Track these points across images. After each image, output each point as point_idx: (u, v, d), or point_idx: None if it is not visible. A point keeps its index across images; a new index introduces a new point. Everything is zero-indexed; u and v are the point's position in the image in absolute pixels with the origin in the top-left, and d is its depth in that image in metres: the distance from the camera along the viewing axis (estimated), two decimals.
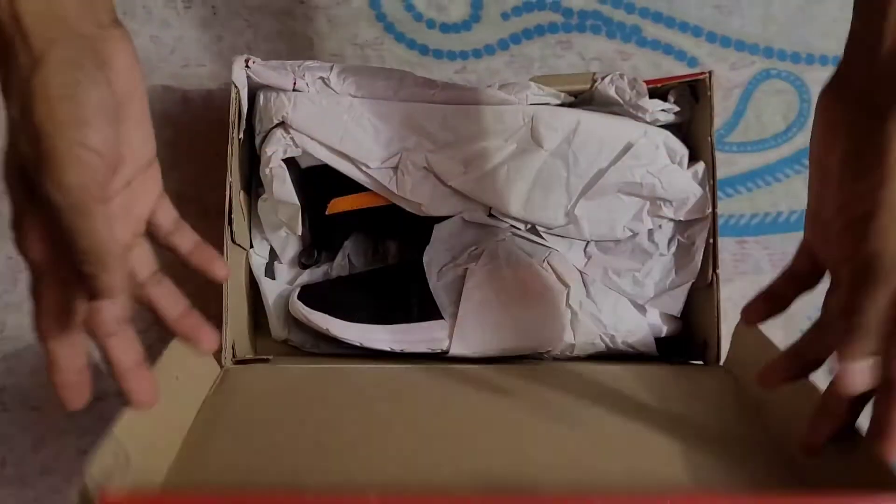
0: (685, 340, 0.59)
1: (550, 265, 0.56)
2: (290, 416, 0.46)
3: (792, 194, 0.67)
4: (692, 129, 0.58)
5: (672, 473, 0.41)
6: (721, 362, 0.54)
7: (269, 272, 0.61)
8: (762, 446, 0.44)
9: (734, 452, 0.43)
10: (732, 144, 0.67)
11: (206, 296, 0.65)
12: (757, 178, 0.67)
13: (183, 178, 0.66)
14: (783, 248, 0.66)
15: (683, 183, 0.55)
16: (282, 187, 0.56)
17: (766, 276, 0.66)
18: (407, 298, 0.56)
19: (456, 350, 0.55)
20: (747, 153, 0.68)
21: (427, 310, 0.56)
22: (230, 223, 0.53)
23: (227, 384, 0.50)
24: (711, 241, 0.55)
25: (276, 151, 0.55)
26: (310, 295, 0.58)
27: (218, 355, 0.52)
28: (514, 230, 0.58)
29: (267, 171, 0.56)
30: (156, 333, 0.44)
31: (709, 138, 0.55)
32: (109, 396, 0.64)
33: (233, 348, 0.54)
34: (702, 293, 0.56)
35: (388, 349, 0.56)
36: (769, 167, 0.67)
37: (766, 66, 0.68)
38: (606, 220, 0.57)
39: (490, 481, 0.40)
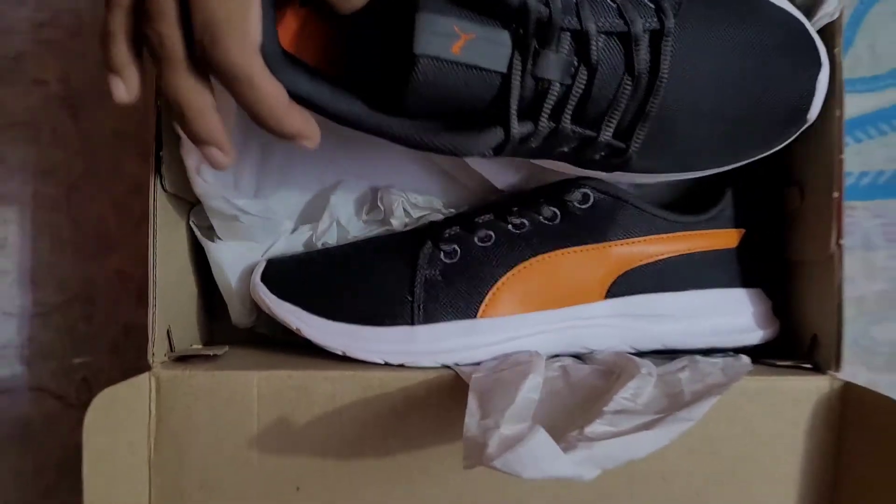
0: (785, 335, 0.44)
1: None
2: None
3: None
4: None
5: None
6: (839, 367, 0.39)
7: None
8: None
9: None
10: None
11: (143, 264, 0.51)
12: (869, 125, 0.52)
13: (120, 110, 0.50)
14: None
15: None
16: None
17: (880, 252, 0.51)
18: (410, 287, 0.40)
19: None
20: (857, 93, 0.53)
21: (439, 306, 0.40)
22: (158, 165, 0.38)
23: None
24: (836, 194, 0.39)
25: None
26: (276, 277, 0.42)
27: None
28: None
29: None
30: None
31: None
32: (52, 417, 0.50)
33: (169, 338, 0.40)
34: (814, 270, 0.41)
35: (382, 362, 0.40)
36: (885, 112, 0.52)
37: None
38: None
39: None
